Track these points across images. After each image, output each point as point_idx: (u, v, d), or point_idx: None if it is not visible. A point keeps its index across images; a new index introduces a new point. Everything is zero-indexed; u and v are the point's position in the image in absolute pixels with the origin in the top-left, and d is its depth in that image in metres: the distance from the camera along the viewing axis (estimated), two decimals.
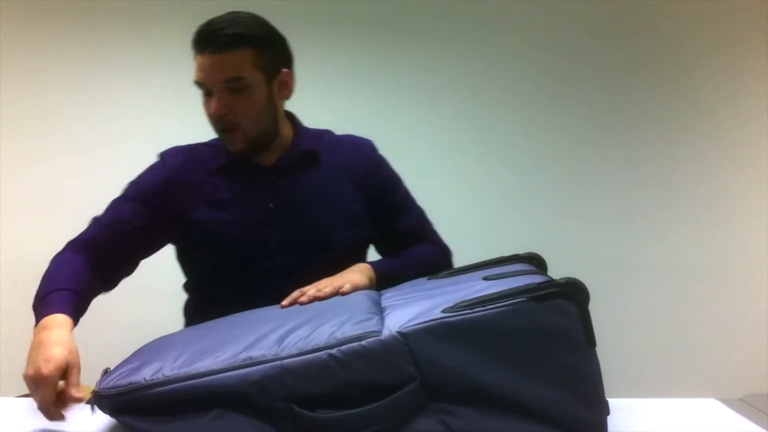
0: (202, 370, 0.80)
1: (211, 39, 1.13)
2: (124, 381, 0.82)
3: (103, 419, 0.89)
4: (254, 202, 1.24)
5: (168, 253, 1.32)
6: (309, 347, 0.79)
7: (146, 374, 0.81)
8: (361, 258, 1.34)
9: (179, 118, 2.40)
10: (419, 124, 2.65)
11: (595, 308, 0.81)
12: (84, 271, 1.14)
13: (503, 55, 2.66)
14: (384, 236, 1.36)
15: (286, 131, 1.30)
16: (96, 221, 1.24)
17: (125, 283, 1.30)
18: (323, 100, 2.57)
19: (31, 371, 0.90)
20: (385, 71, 2.64)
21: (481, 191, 2.68)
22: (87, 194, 2.51)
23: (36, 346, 0.95)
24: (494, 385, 0.77)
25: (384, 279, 1.19)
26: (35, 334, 0.99)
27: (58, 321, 1.00)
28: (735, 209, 2.70)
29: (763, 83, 2.68)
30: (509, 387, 0.77)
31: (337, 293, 1.07)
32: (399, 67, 2.64)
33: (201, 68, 1.16)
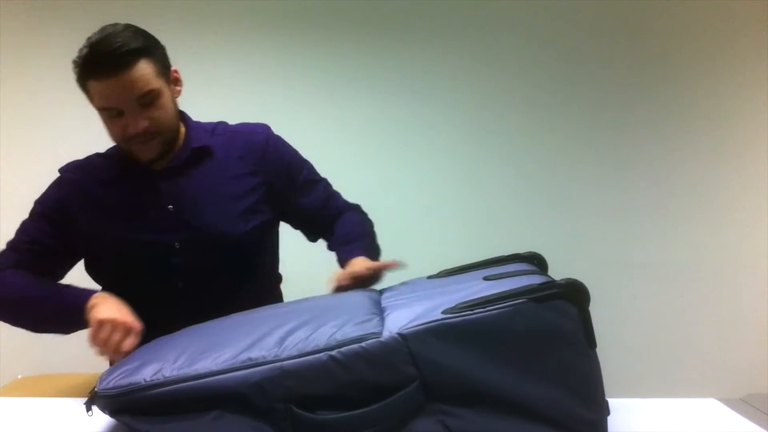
0: (202, 371, 0.80)
1: (110, 60, 1.10)
2: (124, 381, 0.82)
3: (103, 419, 0.89)
4: (153, 208, 1.24)
5: None
6: (309, 348, 0.79)
7: (146, 375, 0.81)
8: (265, 244, 1.37)
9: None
10: (419, 124, 2.65)
11: (595, 308, 0.81)
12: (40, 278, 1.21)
13: (504, 55, 2.66)
14: (296, 213, 1.39)
15: (180, 129, 1.30)
16: (11, 247, 1.25)
17: None
18: (324, 99, 2.57)
19: (122, 316, 1.04)
20: (385, 71, 2.64)
21: (481, 191, 2.67)
22: None
23: (113, 306, 1.07)
24: (494, 385, 0.77)
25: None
26: (98, 300, 1.09)
27: (104, 294, 1.11)
28: (734, 209, 2.70)
29: (763, 83, 2.67)
30: (509, 388, 0.77)
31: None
32: (399, 66, 2.64)
33: (106, 92, 1.12)
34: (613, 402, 0.84)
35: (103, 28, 1.14)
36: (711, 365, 2.67)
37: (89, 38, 1.13)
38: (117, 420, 0.84)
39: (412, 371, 0.77)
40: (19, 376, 1.57)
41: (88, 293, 1.13)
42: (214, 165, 1.29)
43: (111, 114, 1.15)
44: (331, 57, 2.60)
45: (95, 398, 0.84)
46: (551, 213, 2.68)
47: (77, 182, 1.27)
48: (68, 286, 1.18)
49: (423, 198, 2.63)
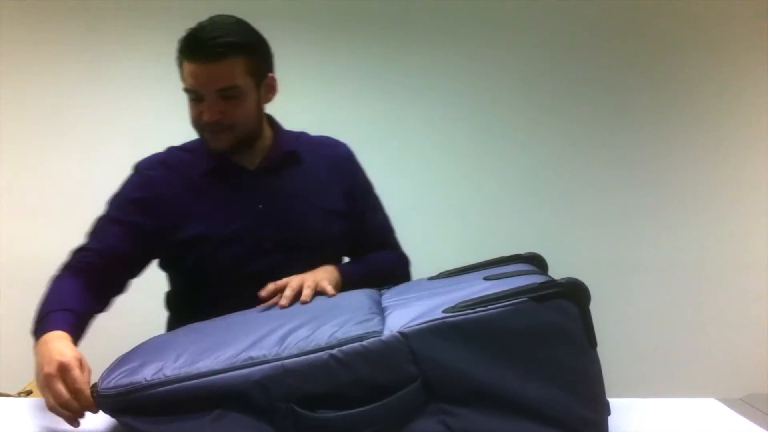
0: (204, 369, 0.80)
1: (205, 48, 1.13)
2: (125, 381, 0.82)
3: (103, 419, 0.89)
4: (243, 205, 1.25)
5: None
6: (310, 347, 0.79)
7: (147, 374, 0.81)
8: (342, 253, 1.37)
9: (181, 117, 2.39)
10: (420, 124, 2.65)
11: (595, 308, 0.81)
12: (81, 293, 1.13)
13: (504, 56, 2.66)
14: (357, 231, 1.38)
15: (267, 133, 1.31)
16: (84, 248, 1.21)
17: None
18: (324, 99, 2.57)
19: (47, 368, 0.88)
20: (386, 71, 2.64)
21: (481, 191, 2.67)
22: (87, 194, 2.50)
23: (41, 354, 0.93)
24: (495, 384, 0.77)
25: (347, 282, 1.20)
26: (36, 350, 0.96)
27: (57, 334, 0.97)
28: (735, 209, 2.70)
29: (763, 83, 2.67)
30: (510, 387, 0.77)
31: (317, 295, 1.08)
32: (400, 66, 2.64)
33: (193, 76, 1.15)
34: (613, 402, 0.84)
35: (213, 17, 1.18)
36: (711, 365, 2.67)
37: (200, 22, 1.16)
38: (117, 420, 0.84)
39: (413, 370, 0.77)
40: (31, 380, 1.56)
41: (51, 328, 0.99)
42: (303, 170, 1.31)
43: (192, 96, 1.18)
44: (329, 56, 2.60)
45: (95, 398, 0.84)
46: (551, 213, 2.68)
47: (158, 179, 1.26)
48: (57, 312, 1.05)
49: (423, 199, 2.62)
